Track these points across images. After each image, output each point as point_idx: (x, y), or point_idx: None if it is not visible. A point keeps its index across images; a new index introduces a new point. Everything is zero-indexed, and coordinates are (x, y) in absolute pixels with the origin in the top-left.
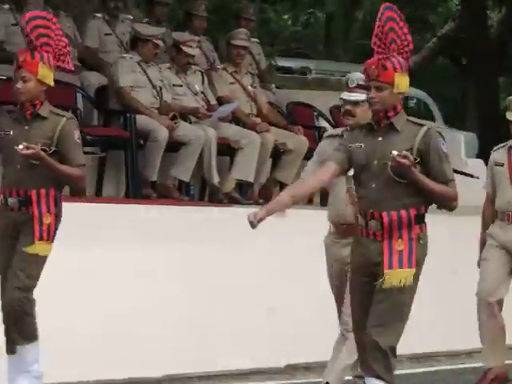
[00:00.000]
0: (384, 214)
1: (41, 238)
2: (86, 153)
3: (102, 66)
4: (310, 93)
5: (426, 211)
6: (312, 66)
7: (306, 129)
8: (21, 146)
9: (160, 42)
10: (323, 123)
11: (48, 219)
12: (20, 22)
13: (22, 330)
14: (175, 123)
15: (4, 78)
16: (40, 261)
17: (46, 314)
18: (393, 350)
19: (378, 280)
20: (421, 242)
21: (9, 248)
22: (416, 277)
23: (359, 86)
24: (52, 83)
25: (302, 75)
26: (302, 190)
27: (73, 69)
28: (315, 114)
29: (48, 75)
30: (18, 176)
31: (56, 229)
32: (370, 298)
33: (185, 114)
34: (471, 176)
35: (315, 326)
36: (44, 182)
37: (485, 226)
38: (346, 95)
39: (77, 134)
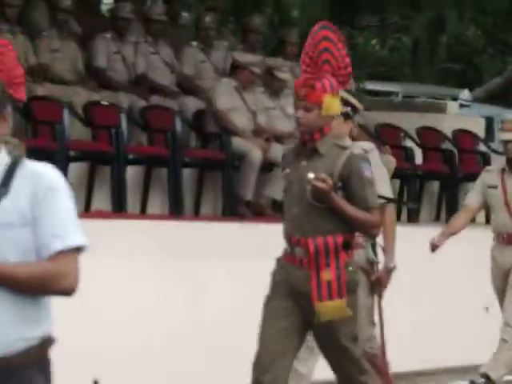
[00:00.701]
0: (309, 241)
1: None
2: None
3: (199, 92)
4: (397, 115)
5: (352, 236)
6: (399, 88)
7: (394, 149)
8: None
9: (257, 70)
10: (410, 144)
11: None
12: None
13: None
14: (269, 145)
15: (106, 104)
16: None
17: None
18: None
19: (306, 313)
20: (350, 269)
21: None
22: (354, 304)
23: None
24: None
25: (389, 98)
26: None
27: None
28: (402, 135)
29: None
30: None
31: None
32: (288, 321)
33: (278, 136)
34: (404, 203)
35: None
36: None
37: (449, 228)
38: None
39: None
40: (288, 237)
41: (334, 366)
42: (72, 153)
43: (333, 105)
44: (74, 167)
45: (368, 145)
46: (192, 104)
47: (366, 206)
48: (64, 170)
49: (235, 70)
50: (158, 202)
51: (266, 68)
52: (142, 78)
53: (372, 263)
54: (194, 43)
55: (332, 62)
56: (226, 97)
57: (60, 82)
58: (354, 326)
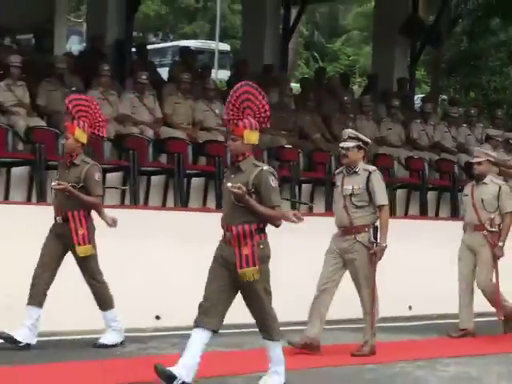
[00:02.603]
0: (233, 228)
1: None
2: None
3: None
4: None
5: (264, 225)
6: None
7: None
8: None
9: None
10: None
11: None
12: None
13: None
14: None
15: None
16: None
17: None
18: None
19: (234, 276)
20: (261, 246)
21: None
22: (264, 271)
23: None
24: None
25: None
26: None
27: (104, 135)
28: None
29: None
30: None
31: None
32: (224, 281)
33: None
34: (304, 203)
35: None
36: None
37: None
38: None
39: None
40: (222, 225)
41: (254, 314)
42: None
43: (251, 137)
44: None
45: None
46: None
47: (271, 204)
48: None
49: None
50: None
51: None
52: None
53: (372, 243)
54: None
55: (253, 108)
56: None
57: None
58: (265, 282)
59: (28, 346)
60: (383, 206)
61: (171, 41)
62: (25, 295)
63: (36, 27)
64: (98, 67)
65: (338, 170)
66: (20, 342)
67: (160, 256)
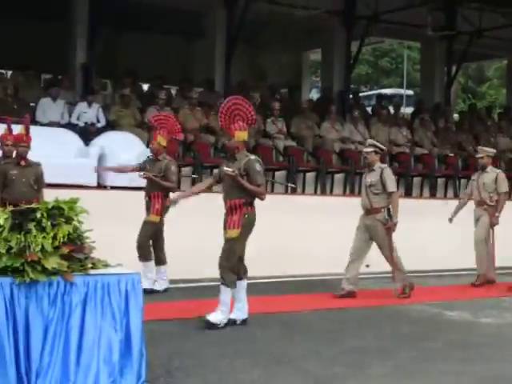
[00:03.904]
0: (228, 201)
1: None
2: None
3: None
4: None
5: (251, 200)
6: None
7: None
8: (229, 169)
9: None
10: None
11: None
12: None
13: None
14: None
15: None
16: None
17: None
18: (224, 269)
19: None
20: (246, 216)
21: None
22: (242, 234)
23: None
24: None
25: None
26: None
27: (181, 137)
28: None
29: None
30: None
31: None
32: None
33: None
34: (278, 182)
35: None
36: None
37: (459, 206)
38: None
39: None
40: (223, 199)
41: (221, 255)
42: None
43: (240, 135)
44: None
45: None
46: None
47: (257, 183)
48: None
49: None
50: None
51: None
52: None
53: (387, 219)
54: None
55: (242, 115)
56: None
57: None
58: (240, 242)
59: None
60: (392, 192)
61: (375, 90)
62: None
63: (290, 84)
64: (328, 108)
65: (365, 169)
66: None
67: None
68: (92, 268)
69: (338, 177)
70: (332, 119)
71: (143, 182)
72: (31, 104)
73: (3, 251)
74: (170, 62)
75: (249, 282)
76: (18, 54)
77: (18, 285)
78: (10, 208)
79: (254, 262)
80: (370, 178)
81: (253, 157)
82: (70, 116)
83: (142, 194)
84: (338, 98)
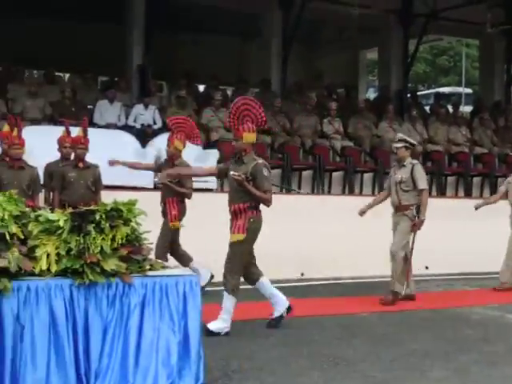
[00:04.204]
0: (233, 205)
1: None
2: None
3: None
4: None
5: (256, 204)
6: None
7: None
8: (236, 174)
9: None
10: None
11: None
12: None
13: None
14: None
15: None
16: None
17: None
18: (227, 274)
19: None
20: (251, 220)
21: None
22: (247, 239)
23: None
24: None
25: None
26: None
27: (199, 143)
28: None
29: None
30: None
31: None
32: None
33: None
34: (293, 190)
35: None
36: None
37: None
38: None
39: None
40: (228, 203)
41: (226, 261)
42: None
43: (248, 137)
44: None
45: None
46: None
47: (263, 189)
48: None
49: None
50: None
51: None
52: None
53: (415, 216)
54: None
55: (251, 116)
56: None
57: None
58: (245, 246)
59: None
60: (423, 189)
61: (433, 88)
62: None
63: (346, 84)
64: (386, 107)
65: (393, 164)
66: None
67: None
68: (150, 269)
69: None
70: (390, 119)
71: (198, 184)
72: (89, 106)
73: (63, 253)
74: (225, 63)
75: (306, 284)
76: (76, 56)
77: (78, 286)
78: (69, 210)
79: (311, 263)
80: (400, 174)
81: (260, 161)
82: (127, 118)
83: (197, 195)
84: (395, 98)
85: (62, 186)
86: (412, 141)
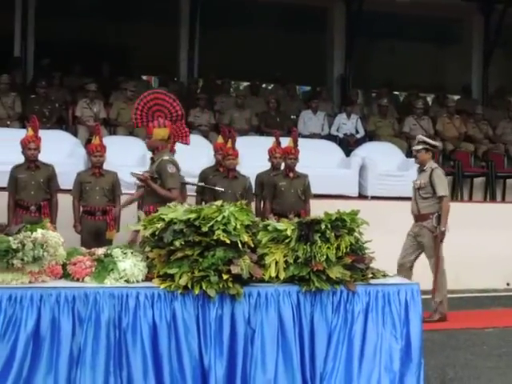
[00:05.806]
0: (144, 206)
1: None
2: None
3: None
4: None
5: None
6: None
7: None
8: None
9: None
10: None
11: None
12: None
13: None
14: None
15: None
16: None
17: None
18: None
19: None
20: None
21: None
22: None
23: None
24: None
25: None
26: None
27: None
28: None
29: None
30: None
31: None
32: None
33: None
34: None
35: None
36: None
37: None
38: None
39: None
40: (142, 206)
41: None
42: None
43: (159, 133)
44: None
45: None
46: None
47: (169, 187)
48: None
49: None
50: None
51: None
52: None
53: (435, 227)
54: None
55: (164, 111)
56: None
57: None
58: None
59: None
60: (443, 196)
61: None
62: None
63: None
64: None
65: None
66: None
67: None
68: (372, 278)
69: None
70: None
71: (403, 192)
72: (292, 116)
73: (291, 261)
74: (422, 70)
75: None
76: (278, 67)
77: (304, 293)
78: (296, 220)
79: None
80: (419, 179)
81: (166, 157)
82: (330, 127)
83: (401, 203)
84: None
85: (273, 195)
86: (433, 142)
